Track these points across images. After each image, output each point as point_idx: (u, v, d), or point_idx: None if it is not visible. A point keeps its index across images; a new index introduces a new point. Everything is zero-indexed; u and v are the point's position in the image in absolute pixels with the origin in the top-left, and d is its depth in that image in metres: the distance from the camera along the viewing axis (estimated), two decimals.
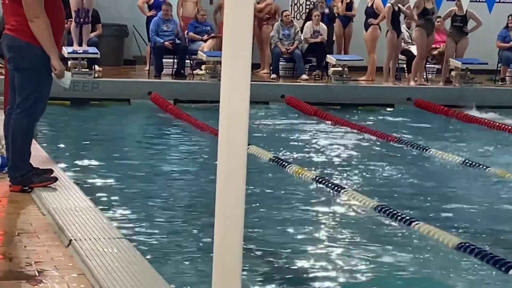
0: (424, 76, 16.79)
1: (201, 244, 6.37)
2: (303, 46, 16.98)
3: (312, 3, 18.56)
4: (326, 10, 17.38)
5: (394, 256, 6.34)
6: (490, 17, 17.38)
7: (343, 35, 17.59)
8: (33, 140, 6.78)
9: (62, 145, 10.39)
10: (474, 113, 14.47)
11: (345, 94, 15.36)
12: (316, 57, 17.06)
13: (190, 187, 8.60)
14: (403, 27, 17.10)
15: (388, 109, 15.21)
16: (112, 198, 7.73)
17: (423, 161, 10.40)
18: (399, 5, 16.21)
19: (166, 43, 15.60)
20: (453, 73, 16.38)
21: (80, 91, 14.08)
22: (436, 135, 12.61)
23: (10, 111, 6.50)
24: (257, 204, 7.60)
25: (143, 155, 10.41)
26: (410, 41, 17.40)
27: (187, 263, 6.00)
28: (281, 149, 10.69)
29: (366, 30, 16.73)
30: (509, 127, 12.90)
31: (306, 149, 10.93)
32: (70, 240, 5.15)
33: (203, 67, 15.54)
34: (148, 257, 5.12)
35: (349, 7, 17.32)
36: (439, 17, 16.98)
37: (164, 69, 15.91)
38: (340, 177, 9.22)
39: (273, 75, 16.56)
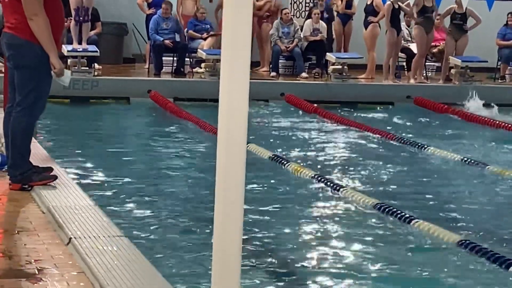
0: (424, 74, 16.79)
1: (200, 242, 6.37)
2: (303, 44, 16.98)
3: (312, 1, 18.55)
4: (325, 14, 17.34)
5: (394, 254, 6.35)
6: (489, 15, 17.43)
7: (342, 33, 17.58)
8: (33, 138, 6.78)
9: (62, 143, 10.39)
10: (475, 108, 14.49)
11: (344, 92, 15.36)
12: (316, 55, 17.06)
13: (189, 185, 8.60)
14: (403, 25, 17.09)
15: (388, 107, 15.20)
16: (112, 196, 7.73)
17: (423, 159, 10.40)
18: (399, 3, 16.20)
19: (166, 41, 15.60)
20: (452, 71, 16.38)
21: (80, 89, 14.09)
22: (436, 133, 12.61)
23: (10, 109, 6.50)
24: (256, 202, 7.60)
25: (142, 153, 10.41)
26: (409, 39, 17.40)
27: (186, 261, 6.00)
28: (281, 147, 10.69)
29: (366, 28, 16.73)
30: (509, 125, 12.90)
31: (306, 147, 10.93)
32: (70, 238, 5.15)
33: (202, 65, 15.54)
34: (147, 255, 5.11)
35: (349, 5, 17.31)
36: (439, 15, 16.97)
37: (164, 67, 15.91)
38: (339, 175, 9.22)
39: (273, 73, 16.56)
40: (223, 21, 3.12)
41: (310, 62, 17.33)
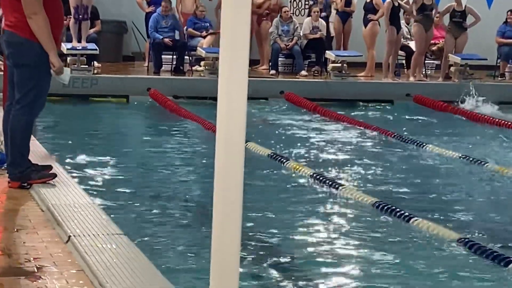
0: (423, 72, 16.79)
1: (200, 240, 6.37)
2: (302, 42, 16.98)
3: None
4: (322, 13, 17.33)
5: (393, 252, 6.35)
6: (489, 13, 17.44)
7: (342, 31, 17.57)
8: (32, 136, 6.78)
9: (61, 141, 10.39)
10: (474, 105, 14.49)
11: (344, 90, 15.36)
12: (315, 53, 17.06)
13: (189, 183, 8.61)
14: (402, 23, 17.08)
15: (387, 105, 15.20)
16: (111, 194, 7.73)
17: (422, 157, 10.40)
18: (399, 1, 16.20)
19: (165, 39, 15.59)
20: (452, 68, 16.37)
21: (79, 87, 14.09)
22: (435, 131, 12.61)
23: (9, 107, 6.50)
24: (255, 200, 7.60)
25: (142, 151, 10.41)
26: (409, 36, 17.39)
27: (186, 259, 6.00)
28: (280, 145, 10.69)
29: (365, 26, 16.72)
30: (509, 123, 12.90)
31: (305, 145, 10.93)
32: (69, 236, 5.15)
33: (202, 63, 15.53)
34: (147, 253, 5.11)
35: (348, 2, 17.30)
36: (439, 12, 16.96)
37: (163, 65, 15.90)
38: (338, 173, 9.22)
39: (272, 71, 16.56)
40: (221, 20, 3.12)
41: (309, 60, 17.34)
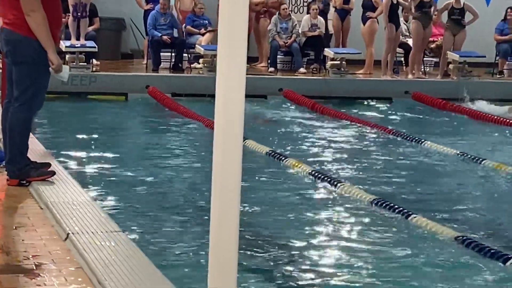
0: (422, 69, 16.79)
1: (198, 237, 6.37)
2: (301, 40, 16.97)
3: None
4: (320, 5, 17.34)
5: (391, 249, 6.35)
6: (487, 10, 17.44)
7: (341, 28, 17.57)
8: (31, 134, 6.79)
9: (59, 139, 10.39)
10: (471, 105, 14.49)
11: (343, 88, 15.36)
12: (314, 50, 17.06)
13: (187, 180, 8.61)
14: (401, 20, 17.07)
15: (386, 102, 15.20)
16: (110, 191, 7.73)
17: (421, 154, 10.41)
18: None
19: (164, 37, 15.59)
20: (451, 66, 16.37)
21: (78, 85, 14.09)
22: (434, 128, 12.62)
23: (8, 104, 6.51)
24: (253, 198, 7.60)
25: (140, 148, 10.42)
26: (408, 34, 17.39)
27: (184, 256, 6.01)
28: (279, 142, 10.69)
29: (364, 24, 16.71)
30: (507, 120, 12.90)
31: (303, 143, 10.94)
32: (68, 234, 5.15)
33: (200, 60, 15.53)
34: (145, 250, 5.12)
35: (347, 0, 17.30)
36: (437, 10, 16.95)
37: (162, 62, 15.90)
38: (337, 170, 9.23)
39: (271, 69, 16.56)
40: (219, 18, 3.13)
41: (308, 58, 17.33)
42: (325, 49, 16.42)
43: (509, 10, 17.36)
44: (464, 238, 6.44)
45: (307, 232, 6.81)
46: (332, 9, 17.64)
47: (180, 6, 17.00)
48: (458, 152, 10.15)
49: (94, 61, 15.11)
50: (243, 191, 3.23)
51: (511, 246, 6.51)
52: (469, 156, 9.93)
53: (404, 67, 17.16)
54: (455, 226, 6.97)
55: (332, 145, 10.85)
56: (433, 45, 17.57)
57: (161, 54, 15.88)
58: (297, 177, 8.76)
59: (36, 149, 7.56)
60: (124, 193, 7.76)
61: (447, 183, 8.96)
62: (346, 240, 6.59)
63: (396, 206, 7.31)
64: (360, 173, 9.16)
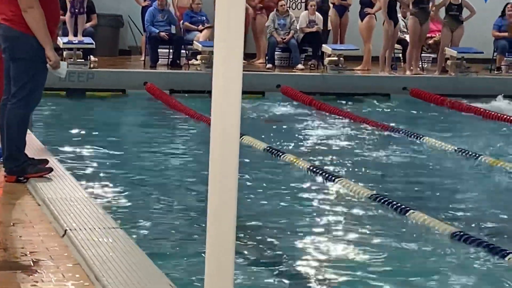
0: (420, 66, 16.79)
1: (196, 234, 6.38)
2: (299, 36, 16.97)
3: None
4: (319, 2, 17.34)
5: (389, 245, 6.36)
6: (485, 6, 17.43)
7: (339, 24, 17.56)
8: (28, 130, 6.79)
9: (57, 136, 10.39)
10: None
11: (340, 84, 15.36)
12: (312, 46, 17.06)
13: (185, 176, 8.61)
14: (399, 16, 17.07)
15: (384, 98, 15.19)
16: (108, 188, 7.74)
17: (419, 150, 10.42)
18: None
19: (162, 33, 15.58)
20: (448, 62, 16.37)
21: (76, 81, 14.08)
22: (432, 124, 12.62)
23: (5, 101, 6.50)
24: (251, 194, 7.61)
25: (138, 145, 10.41)
26: (406, 30, 17.38)
27: (182, 252, 6.01)
28: (276, 138, 10.70)
29: (362, 20, 16.70)
30: (505, 116, 12.90)
31: (301, 139, 10.95)
32: (65, 230, 5.15)
33: (198, 57, 15.51)
34: (143, 246, 5.12)
35: None
36: (435, 6, 16.94)
37: (160, 59, 15.90)
38: (335, 166, 9.23)
39: (269, 65, 16.56)
40: (215, 14, 3.13)
41: (306, 54, 17.33)
42: (323, 45, 16.41)
43: (509, 5, 17.34)
44: (461, 234, 6.45)
45: (304, 227, 6.82)
46: (329, 4, 17.62)
47: (178, 3, 17.00)
48: (455, 148, 10.15)
49: (92, 58, 15.10)
50: (239, 186, 3.22)
51: (509, 242, 6.52)
52: (467, 151, 9.93)
53: (402, 63, 17.15)
54: (452, 221, 6.98)
55: (330, 141, 10.85)
56: (431, 41, 17.57)
57: (159, 50, 15.87)
58: (294, 173, 8.77)
59: (33, 146, 7.56)
60: (122, 190, 7.76)
61: (445, 179, 8.96)
62: (343, 235, 6.60)
63: (394, 202, 7.32)
64: (358, 168, 9.16)
